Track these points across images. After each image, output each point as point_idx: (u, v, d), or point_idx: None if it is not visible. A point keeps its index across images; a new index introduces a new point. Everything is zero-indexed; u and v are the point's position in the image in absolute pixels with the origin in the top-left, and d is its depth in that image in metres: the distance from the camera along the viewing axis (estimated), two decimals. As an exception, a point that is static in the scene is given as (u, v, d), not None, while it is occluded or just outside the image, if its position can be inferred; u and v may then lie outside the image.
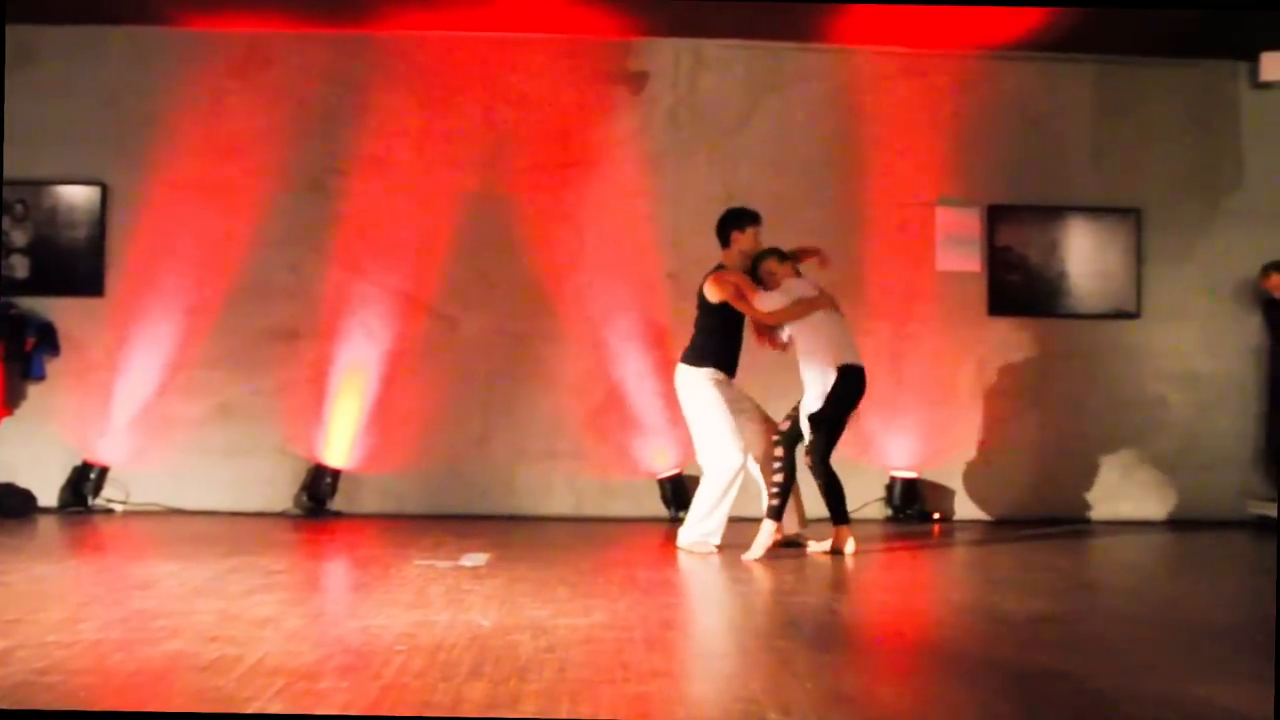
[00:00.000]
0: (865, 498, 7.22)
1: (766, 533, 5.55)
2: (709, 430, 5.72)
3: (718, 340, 5.76)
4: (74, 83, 7.13)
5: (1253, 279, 7.41)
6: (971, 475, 7.42)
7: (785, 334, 5.78)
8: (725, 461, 5.66)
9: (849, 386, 5.60)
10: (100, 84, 7.21)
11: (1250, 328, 7.47)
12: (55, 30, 7.04)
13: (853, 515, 6.97)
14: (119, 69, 7.25)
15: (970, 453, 7.45)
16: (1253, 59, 7.52)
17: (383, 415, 7.27)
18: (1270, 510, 7.17)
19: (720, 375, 5.78)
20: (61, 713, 2.83)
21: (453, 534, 6.19)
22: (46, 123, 6.97)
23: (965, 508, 7.39)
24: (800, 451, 5.68)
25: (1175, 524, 7.34)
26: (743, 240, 5.87)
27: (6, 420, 7.01)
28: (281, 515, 7.09)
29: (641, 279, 7.32)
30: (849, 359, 5.62)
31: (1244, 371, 7.50)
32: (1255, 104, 7.61)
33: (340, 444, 7.22)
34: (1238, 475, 7.45)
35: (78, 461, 7.10)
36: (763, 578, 5.21)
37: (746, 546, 5.58)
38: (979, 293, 7.52)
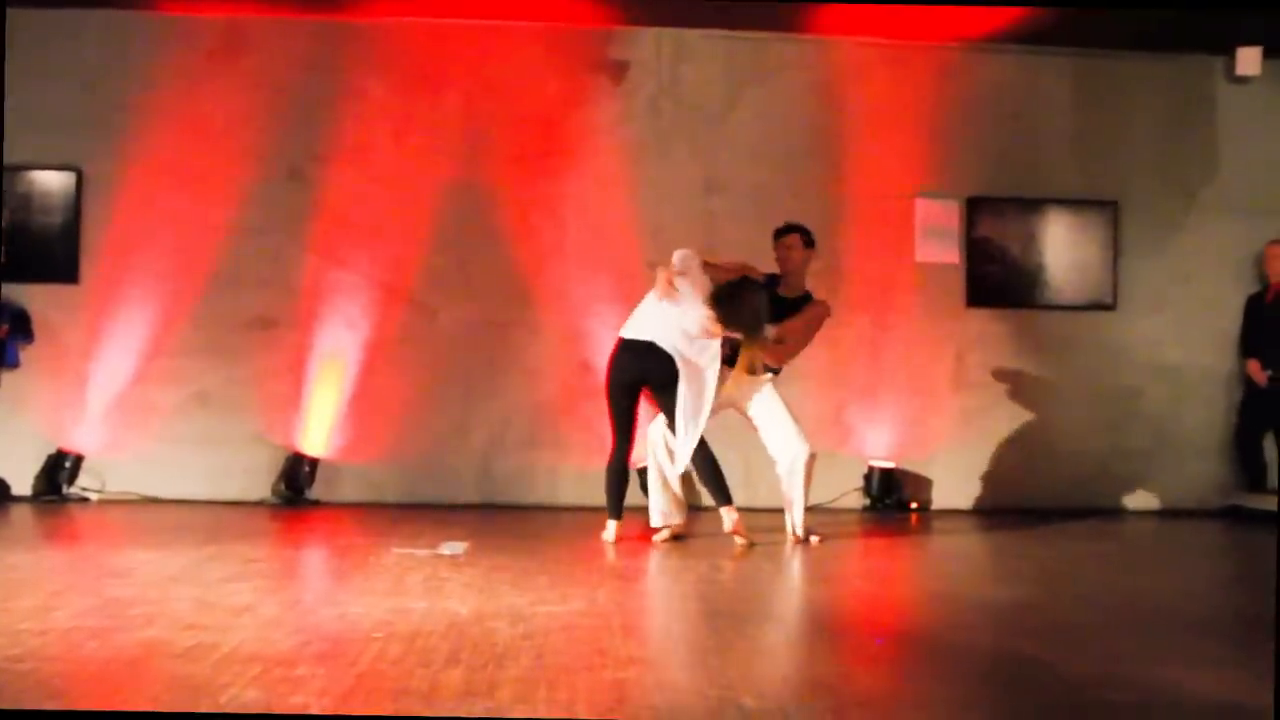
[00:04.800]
0: (843, 487, 7.26)
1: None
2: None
3: None
4: (49, 67, 7.04)
5: (1232, 268, 7.51)
6: (949, 465, 7.46)
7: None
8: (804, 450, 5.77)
9: (613, 358, 5.69)
10: (76, 68, 7.13)
11: (1225, 320, 7.54)
12: (30, 13, 6.93)
13: (831, 504, 7.12)
14: (95, 53, 7.17)
15: (948, 443, 7.49)
16: (1229, 53, 7.58)
17: (361, 404, 7.24)
18: (1246, 501, 7.26)
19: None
20: (44, 713, 2.78)
21: (431, 523, 6.17)
22: (20, 107, 6.83)
23: (943, 497, 7.43)
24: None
25: (1150, 514, 7.41)
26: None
27: (-20, 408, 6.95)
28: (259, 504, 7.05)
29: (622, 269, 7.30)
30: (625, 331, 5.70)
31: (1218, 363, 7.57)
32: (1232, 98, 7.67)
33: (319, 433, 7.19)
34: (1213, 466, 7.53)
35: (52, 450, 7.04)
36: (740, 567, 5.23)
37: (747, 534, 5.63)
38: (958, 284, 7.56)
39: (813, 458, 5.78)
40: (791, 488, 5.79)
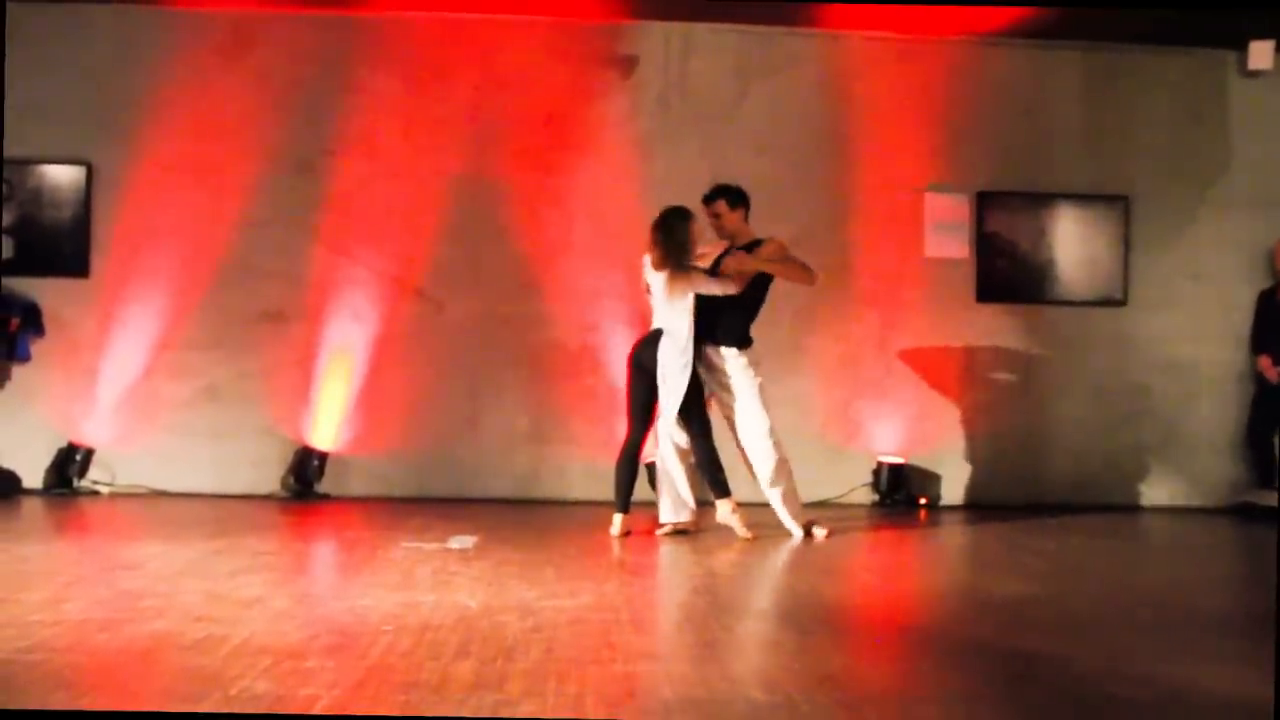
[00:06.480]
0: (852, 482, 7.25)
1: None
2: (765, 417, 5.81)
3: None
4: (59, 62, 7.05)
5: (1244, 264, 7.49)
6: (958, 461, 7.44)
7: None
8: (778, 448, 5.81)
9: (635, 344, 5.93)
10: (85, 63, 7.14)
11: (1236, 316, 7.51)
12: (40, 8, 6.97)
13: (840, 500, 7.11)
14: (104, 48, 7.18)
15: (957, 438, 7.47)
16: (1241, 48, 7.54)
17: (370, 398, 7.25)
18: (1257, 498, 7.24)
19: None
20: (54, 713, 2.78)
21: (440, 517, 6.19)
22: (31, 102, 6.90)
23: (951, 493, 7.42)
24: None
25: (1160, 510, 7.39)
26: None
27: (-9, 401, 6.98)
28: (268, 498, 7.07)
29: (630, 263, 7.27)
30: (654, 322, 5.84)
31: (1228, 359, 7.54)
32: (1243, 92, 7.63)
33: (327, 426, 7.21)
34: (1223, 462, 7.50)
35: (63, 443, 7.06)
36: (748, 561, 5.23)
37: (753, 528, 5.67)
38: (967, 279, 7.54)
39: (783, 462, 5.76)
40: (772, 496, 5.80)
